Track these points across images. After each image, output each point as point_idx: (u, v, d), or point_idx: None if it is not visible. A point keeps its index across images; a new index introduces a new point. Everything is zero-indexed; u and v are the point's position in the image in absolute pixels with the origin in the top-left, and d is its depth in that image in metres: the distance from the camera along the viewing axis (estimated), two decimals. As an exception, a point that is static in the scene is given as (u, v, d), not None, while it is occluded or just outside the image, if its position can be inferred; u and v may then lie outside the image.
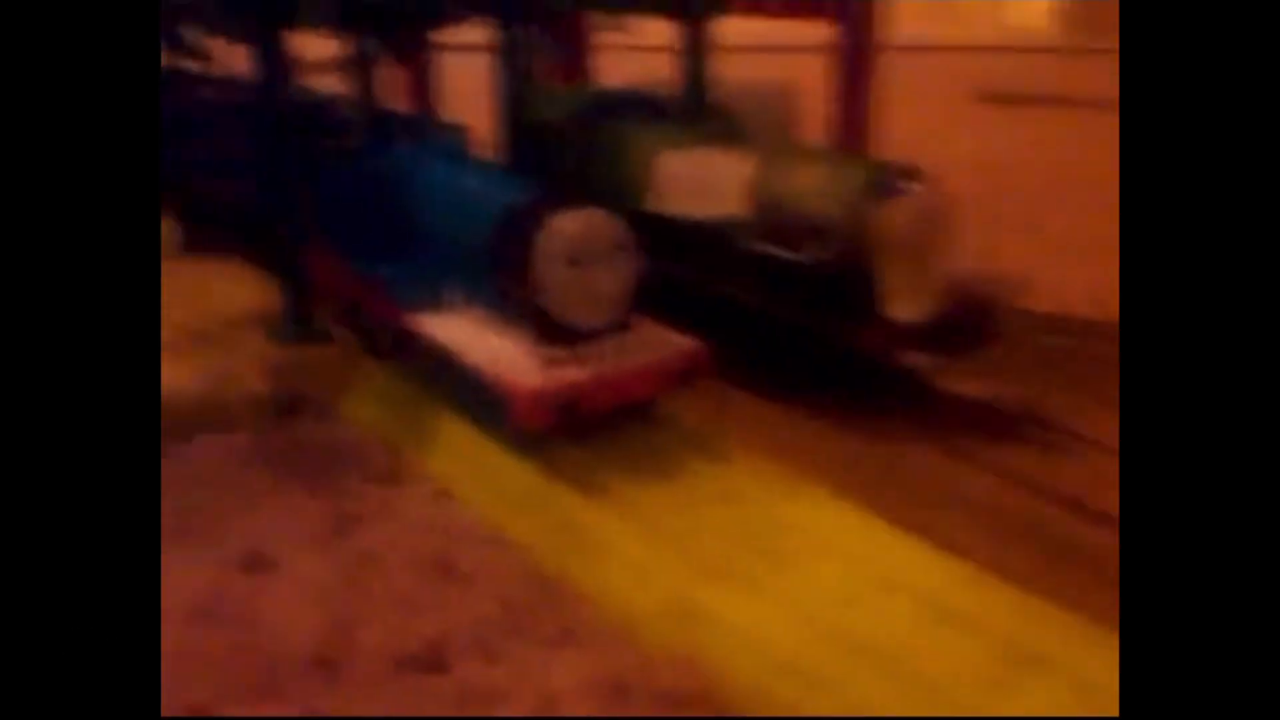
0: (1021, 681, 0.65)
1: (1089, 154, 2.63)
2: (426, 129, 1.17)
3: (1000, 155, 2.59)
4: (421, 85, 1.69)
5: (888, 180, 1.00)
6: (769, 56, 2.90)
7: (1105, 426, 1.06)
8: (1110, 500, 0.81)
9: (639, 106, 1.32)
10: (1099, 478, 0.86)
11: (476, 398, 0.92)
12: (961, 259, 1.68)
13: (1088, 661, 0.66)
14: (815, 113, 1.57)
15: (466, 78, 1.77)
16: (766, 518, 0.83)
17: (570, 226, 0.90)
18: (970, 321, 1.00)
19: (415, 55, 1.75)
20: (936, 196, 1.01)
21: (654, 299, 1.01)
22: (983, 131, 2.94)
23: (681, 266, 1.11)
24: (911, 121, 3.10)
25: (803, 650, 0.69)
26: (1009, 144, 2.77)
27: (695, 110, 1.33)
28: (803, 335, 1.00)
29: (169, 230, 1.32)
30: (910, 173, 1.02)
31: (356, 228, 1.11)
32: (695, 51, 1.37)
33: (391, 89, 1.68)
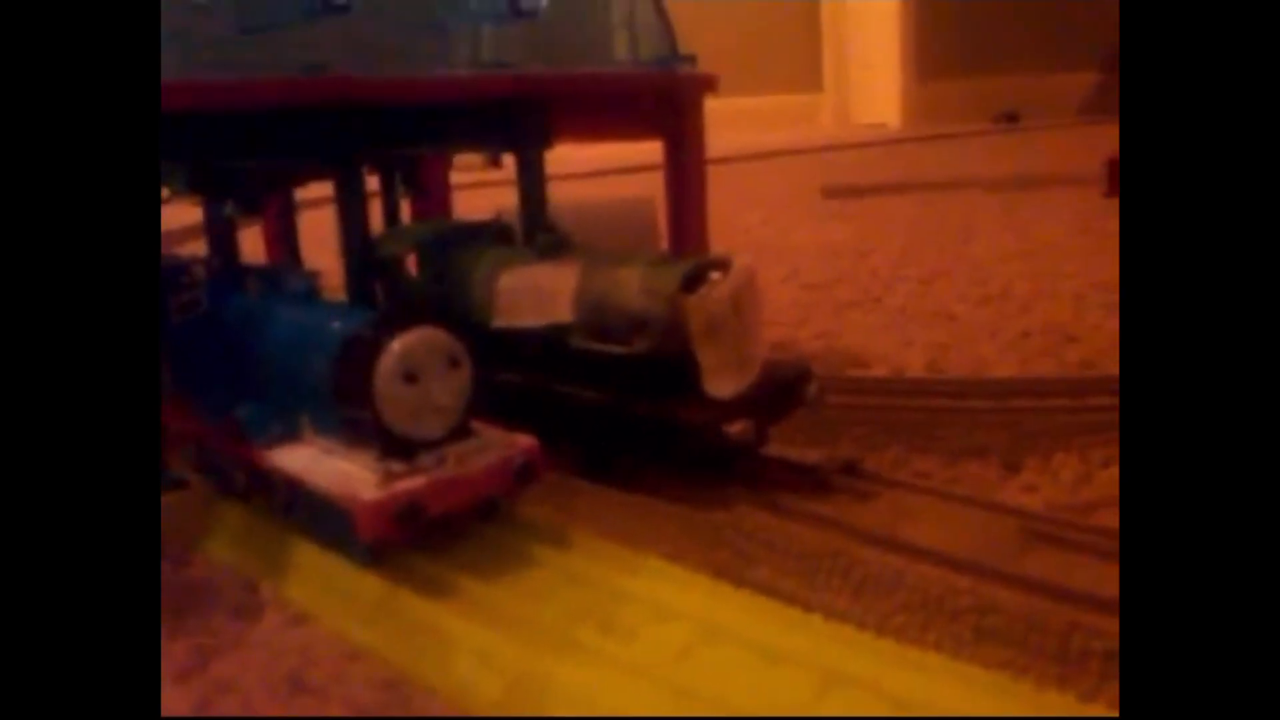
0: (831, 700, 0.71)
1: (924, 232, 2.82)
2: (275, 278, 1.23)
3: (843, 241, 2.76)
4: (281, 239, 1.76)
5: (699, 273, 1.09)
6: (639, 176, 3.07)
7: (916, 469, 1.15)
8: (909, 531, 0.89)
9: (481, 235, 1.41)
10: (902, 513, 0.94)
11: (326, 521, 0.96)
12: (802, 335, 1.80)
13: (888, 676, 0.72)
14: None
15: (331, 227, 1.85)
16: (605, 592, 0.87)
17: (404, 345, 0.96)
18: (783, 390, 1.08)
19: (270, 212, 1.83)
20: (744, 282, 1.10)
21: (502, 408, 1.07)
22: (828, 222, 3.13)
23: (524, 375, 1.18)
24: (761, 219, 3.30)
25: (635, 704, 0.73)
26: (852, 230, 2.95)
27: (533, 232, 1.42)
28: (633, 422, 1.07)
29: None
30: (721, 264, 1.11)
31: (208, 376, 1.15)
32: (530, 178, 1.47)
33: (256, 245, 1.75)
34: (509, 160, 1.50)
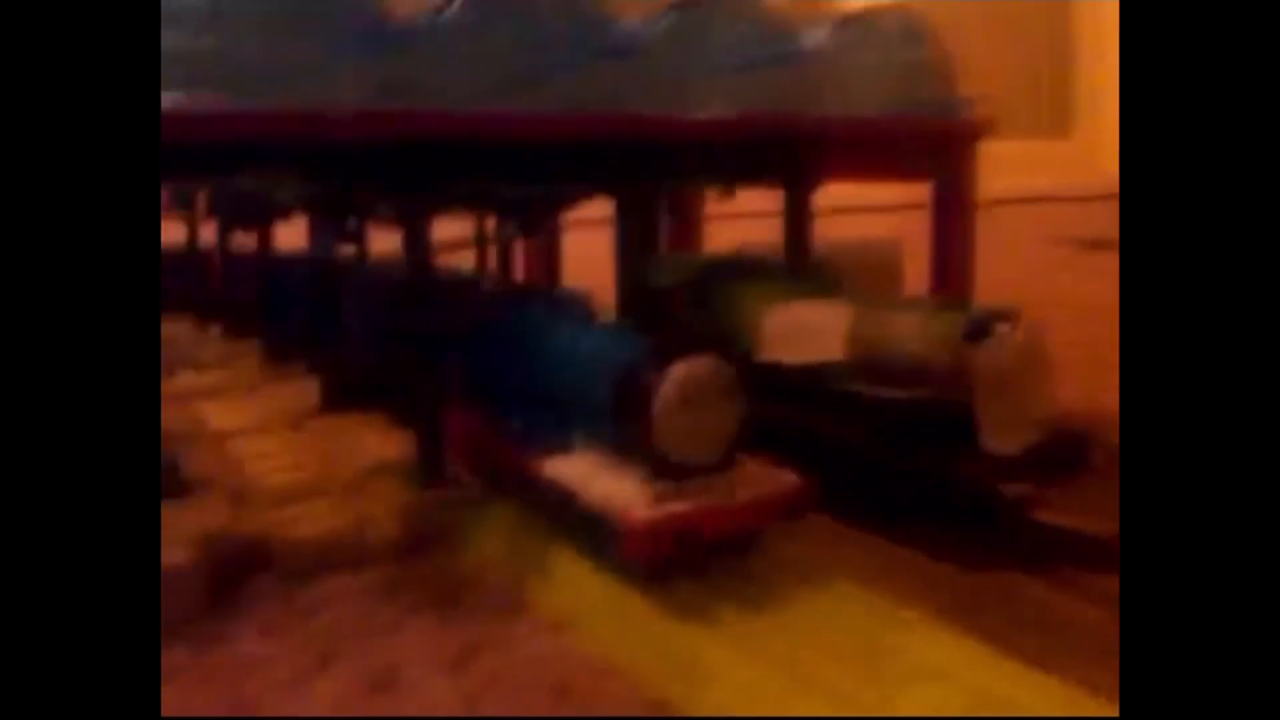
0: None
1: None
2: (554, 297, 1.29)
3: (1101, 298, 2.58)
4: (547, 258, 1.85)
5: (984, 322, 1.06)
6: (879, 215, 3.02)
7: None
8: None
9: (746, 269, 1.42)
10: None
11: (593, 533, 0.99)
12: (1063, 397, 1.70)
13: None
14: (921, 265, 1.65)
15: (579, 249, 1.93)
16: (868, 643, 0.85)
17: (684, 372, 0.98)
18: (1067, 453, 1.03)
19: (544, 232, 1.93)
20: (1033, 337, 1.06)
21: (765, 440, 1.07)
22: (1082, 277, 2.96)
23: (790, 410, 1.18)
24: (1013, 269, 3.15)
25: (905, 767, 0.71)
26: (1110, 287, 2.76)
27: (799, 269, 1.43)
28: (903, 470, 1.05)
29: (308, 390, 1.48)
30: (1007, 315, 1.07)
31: (492, 385, 1.22)
32: (797, 216, 1.48)
33: (516, 262, 1.84)
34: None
